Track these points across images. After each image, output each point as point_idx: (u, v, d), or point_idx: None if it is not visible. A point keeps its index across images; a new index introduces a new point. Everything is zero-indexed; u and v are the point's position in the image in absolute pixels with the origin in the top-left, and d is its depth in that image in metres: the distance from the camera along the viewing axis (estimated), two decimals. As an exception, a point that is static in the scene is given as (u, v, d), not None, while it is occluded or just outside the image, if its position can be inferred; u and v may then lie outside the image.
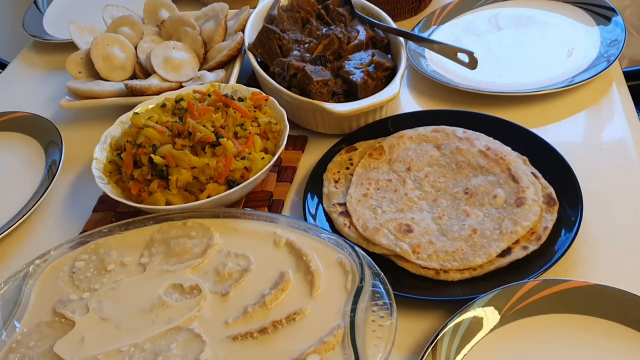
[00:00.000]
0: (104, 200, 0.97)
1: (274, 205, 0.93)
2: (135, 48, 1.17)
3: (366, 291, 0.68)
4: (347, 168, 0.94)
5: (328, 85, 0.98)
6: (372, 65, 1.02)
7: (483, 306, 0.70)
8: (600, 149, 0.93)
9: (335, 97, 1.00)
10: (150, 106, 0.98)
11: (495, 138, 0.93)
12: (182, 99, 0.96)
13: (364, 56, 1.04)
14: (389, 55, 1.08)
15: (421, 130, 0.96)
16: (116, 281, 0.77)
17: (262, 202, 0.93)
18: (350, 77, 1.00)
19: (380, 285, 0.69)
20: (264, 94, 0.99)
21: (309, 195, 0.90)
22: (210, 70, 1.13)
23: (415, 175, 0.90)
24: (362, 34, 1.09)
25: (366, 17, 1.13)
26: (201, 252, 0.78)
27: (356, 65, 1.02)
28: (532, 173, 0.86)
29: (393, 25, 1.10)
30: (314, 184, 0.92)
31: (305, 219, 0.86)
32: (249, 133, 0.91)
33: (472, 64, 0.97)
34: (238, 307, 0.71)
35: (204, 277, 0.75)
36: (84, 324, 0.72)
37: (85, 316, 0.73)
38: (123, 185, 0.90)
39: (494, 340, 0.69)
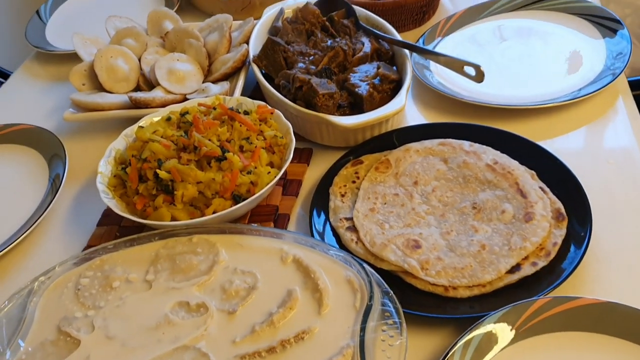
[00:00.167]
0: (108, 214, 0.96)
1: (279, 220, 0.92)
2: (139, 60, 1.17)
3: (375, 310, 0.68)
4: (354, 182, 0.93)
5: (334, 98, 0.98)
6: (378, 77, 1.01)
7: (494, 323, 0.69)
8: (608, 163, 0.93)
9: (341, 110, 1.00)
10: (155, 119, 0.98)
11: (502, 151, 0.92)
12: (187, 112, 0.95)
13: (369, 68, 1.04)
14: (394, 67, 1.08)
15: (427, 143, 0.95)
16: (121, 298, 0.76)
17: (268, 216, 0.92)
18: (356, 89, 0.99)
19: (390, 304, 0.68)
20: (270, 107, 0.98)
21: (315, 211, 0.89)
22: (214, 82, 1.12)
23: (423, 189, 0.89)
24: (367, 46, 1.08)
25: (371, 28, 1.13)
26: (207, 269, 0.77)
27: (361, 77, 1.02)
28: (540, 188, 0.86)
29: (398, 37, 1.10)
30: (320, 198, 0.92)
31: (312, 236, 0.86)
32: (255, 147, 0.91)
33: (479, 77, 0.97)
34: (245, 326, 0.70)
35: (210, 295, 0.74)
36: (89, 343, 0.71)
37: (90, 334, 0.72)
38: (128, 199, 0.89)
39: (504, 359, 0.68)
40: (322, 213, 0.90)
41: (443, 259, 0.79)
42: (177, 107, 1.00)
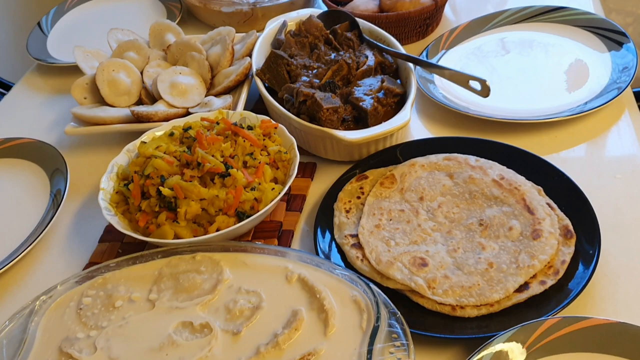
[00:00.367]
0: (110, 230, 0.95)
1: (283, 236, 0.91)
2: (141, 73, 1.16)
3: (382, 331, 0.67)
4: (358, 197, 0.92)
5: (338, 113, 0.97)
6: (382, 91, 1.01)
7: (503, 343, 0.68)
8: (615, 177, 0.92)
9: (345, 124, 0.99)
10: (158, 134, 0.97)
11: (508, 166, 0.91)
12: (190, 127, 0.95)
13: (374, 82, 1.03)
14: (398, 81, 1.07)
15: (433, 158, 0.94)
16: (124, 318, 0.75)
17: (272, 232, 0.91)
18: (360, 103, 0.98)
19: (397, 325, 0.67)
20: (273, 122, 0.97)
21: (319, 229, 0.88)
22: (217, 95, 1.12)
23: (428, 205, 0.88)
24: (370, 59, 1.08)
25: (374, 41, 1.12)
26: (211, 288, 0.76)
27: (366, 91, 1.01)
28: (548, 204, 0.85)
29: (402, 50, 1.09)
30: (325, 215, 0.90)
31: (317, 253, 0.84)
32: (259, 162, 0.90)
33: (485, 91, 0.96)
34: (250, 347, 0.69)
35: (214, 315, 0.73)
36: (91, 365, 0.70)
37: (92, 356, 0.71)
38: (130, 216, 0.88)
39: (514, 380, 0.67)
40: (327, 230, 0.89)
41: (450, 277, 0.77)
42: (180, 122, 0.99)
